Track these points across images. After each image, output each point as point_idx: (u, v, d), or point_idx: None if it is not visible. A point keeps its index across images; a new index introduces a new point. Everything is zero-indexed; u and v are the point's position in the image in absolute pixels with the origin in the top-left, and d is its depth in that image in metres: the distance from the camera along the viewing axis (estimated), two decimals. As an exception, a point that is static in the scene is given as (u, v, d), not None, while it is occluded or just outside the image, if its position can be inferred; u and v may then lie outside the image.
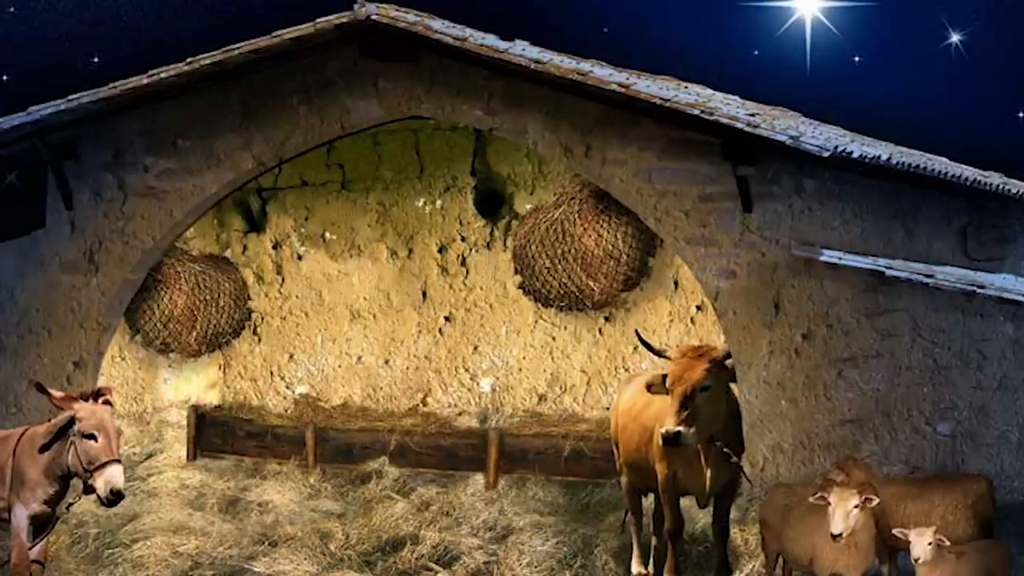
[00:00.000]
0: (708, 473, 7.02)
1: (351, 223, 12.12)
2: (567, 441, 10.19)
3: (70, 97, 9.19)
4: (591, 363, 11.30)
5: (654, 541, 7.80)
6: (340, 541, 8.29)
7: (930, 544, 5.80)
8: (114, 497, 5.96)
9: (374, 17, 8.39)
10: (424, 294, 11.90)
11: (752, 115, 8.09)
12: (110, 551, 8.09)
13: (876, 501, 5.90)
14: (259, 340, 12.34)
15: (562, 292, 11.01)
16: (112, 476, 5.94)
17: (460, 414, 11.50)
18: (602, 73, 8.36)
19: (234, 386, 12.37)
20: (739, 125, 7.72)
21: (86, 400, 6.14)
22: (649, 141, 8.52)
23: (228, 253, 12.48)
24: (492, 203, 11.87)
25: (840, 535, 5.77)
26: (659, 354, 7.40)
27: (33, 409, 9.45)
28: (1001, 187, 9.14)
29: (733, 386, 7.51)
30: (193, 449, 11.34)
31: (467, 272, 11.76)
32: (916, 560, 5.84)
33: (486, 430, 10.64)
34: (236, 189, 10.16)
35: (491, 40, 8.48)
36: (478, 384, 11.69)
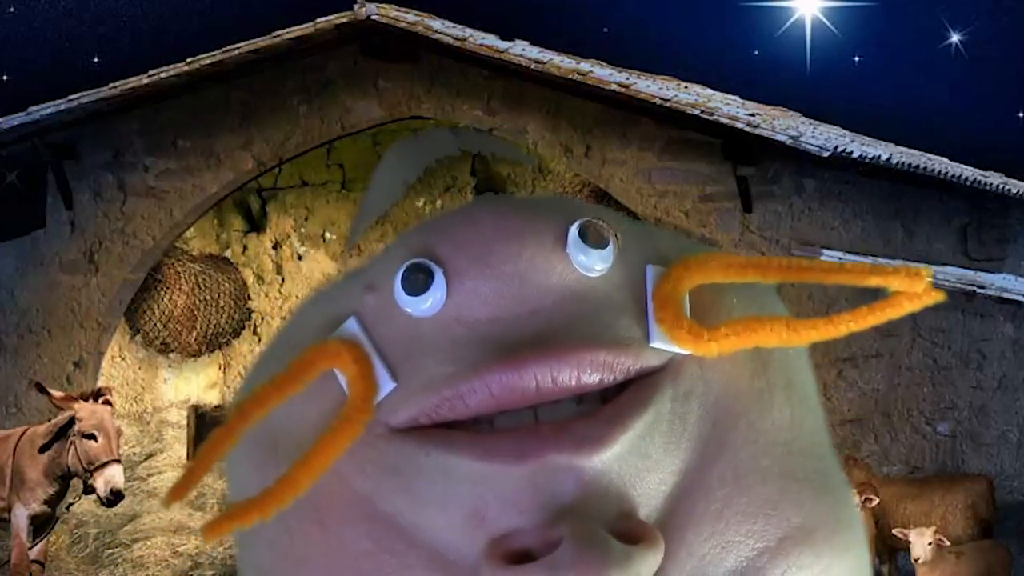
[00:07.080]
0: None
1: (351, 223, 12.11)
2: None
3: (70, 97, 9.20)
4: (591, 363, 11.27)
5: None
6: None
7: (930, 544, 5.79)
8: (114, 497, 5.96)
9: (374, 17, 8.39)
10: (424, 294, 11.88)
11: (752, 115, 8.09)
12: (110, 551, 8.09)
13: (876, 501, 5.89)
14: (259, 340, 12.32)
15: (562, 292, 10.98)
16: (112, 476, 5.94)
17: (460, 414, 11.48)
18: (602, 73, 8.36)
19: (234, 386, 12.35)
20: (739, 125, 7.73)
21: (86, 400, 6.14)
22: (649, 141, 8.53)
23: (228, 253, 12.47)
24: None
25: (840, 535, 5.76)
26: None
27: (33, 409, 9.45)
28: (1001, 187, 9.14)
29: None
30: (193, 449, 11.33)
31: (467, 272, 11.74)
32: (916, 560, 5.83)
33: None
34: (236, 189, 10.17)
35: (491, 40, 8.48)
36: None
